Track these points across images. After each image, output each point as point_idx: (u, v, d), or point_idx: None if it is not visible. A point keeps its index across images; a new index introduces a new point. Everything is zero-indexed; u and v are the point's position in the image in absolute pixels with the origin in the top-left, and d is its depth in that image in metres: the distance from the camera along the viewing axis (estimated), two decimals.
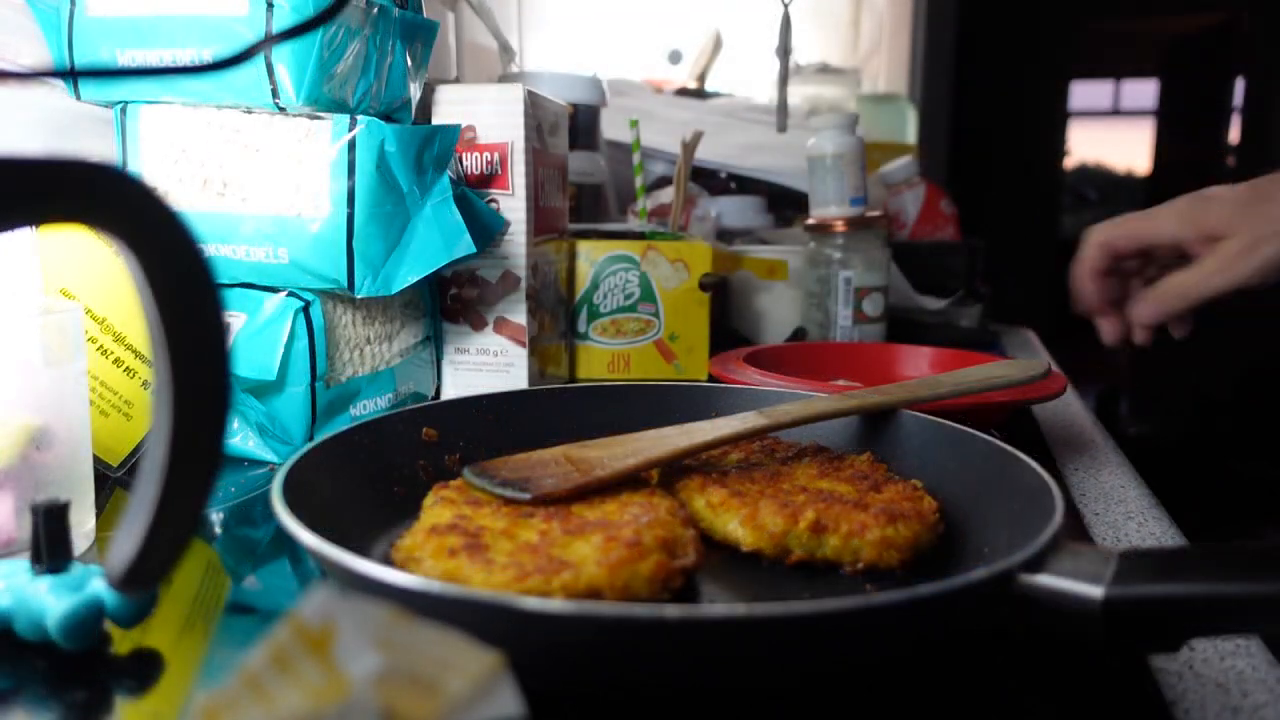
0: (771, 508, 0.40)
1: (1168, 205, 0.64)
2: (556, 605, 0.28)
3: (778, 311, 0.95)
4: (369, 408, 0.60)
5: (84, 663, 0.33)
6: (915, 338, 1.05)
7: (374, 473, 0.45)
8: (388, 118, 0.58)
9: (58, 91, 0.56)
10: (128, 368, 0.52)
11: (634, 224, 0.95)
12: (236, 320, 0.56)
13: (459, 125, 0.60)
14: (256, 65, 0.51)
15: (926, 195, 1.41)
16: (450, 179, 0.58)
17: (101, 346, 0.52)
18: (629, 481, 0.44)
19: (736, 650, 0.28)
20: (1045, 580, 0.31)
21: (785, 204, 1.33)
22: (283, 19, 0.51)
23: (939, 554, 0.41)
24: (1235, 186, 0.63)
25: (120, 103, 0.56)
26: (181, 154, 0.55)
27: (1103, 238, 0.66)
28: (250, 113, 0.55)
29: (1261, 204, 0.61)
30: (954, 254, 1.17)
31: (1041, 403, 0.66)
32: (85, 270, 0.51)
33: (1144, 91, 5.36)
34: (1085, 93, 5.18)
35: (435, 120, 0.65)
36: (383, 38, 0.56)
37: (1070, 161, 4.80)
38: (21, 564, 0.35)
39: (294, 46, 0.51)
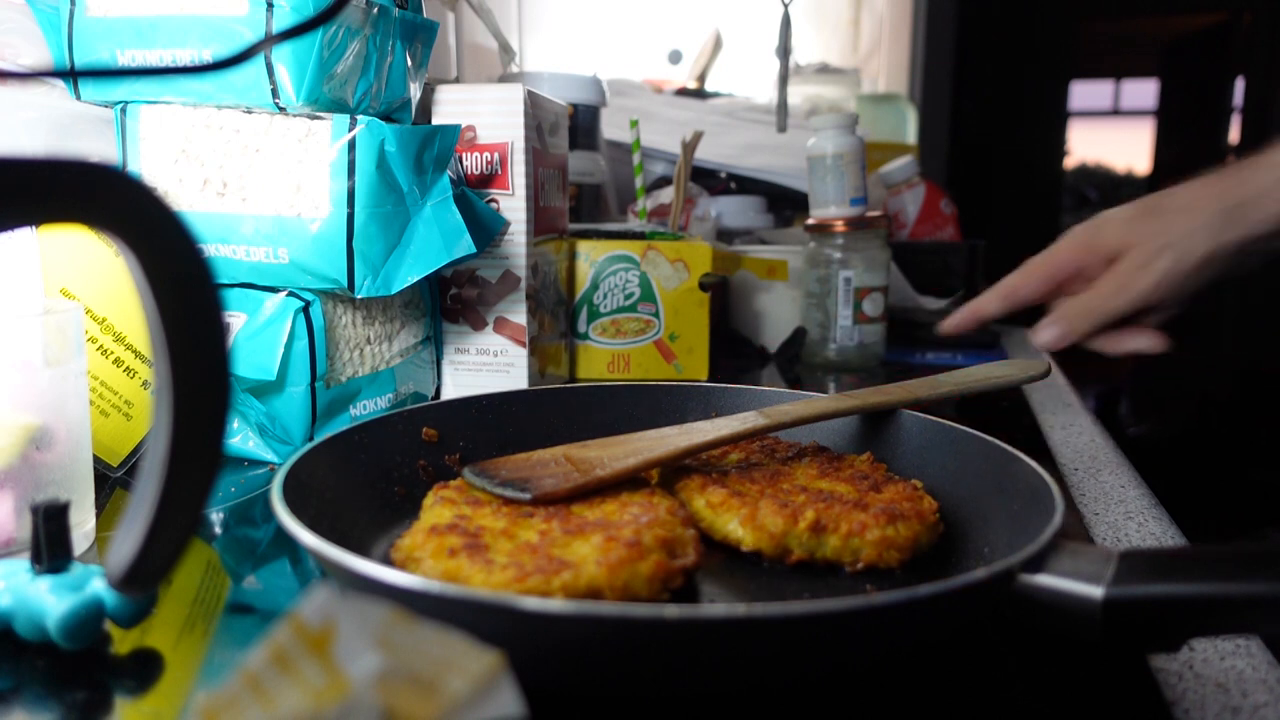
0: (771, 508, 0.40)
1: (1065, 236, 0.66)
2: (556, 605, 0.28)
3: (778, 311, 0.95)
4: (369, 408, 0.60)
5: (84, 663, 0.33)
6: (915, 338, 1.05)
7: (374, 473, 0.45)
8: (388, 118, 0.58)
9: (58, 91, 0.56)
10: (128, 368, 0.52)
11: (634, 224, 0.95)
12: (236, 320, 0.56)
13: (459, 125, 0.60)
14: (256, 65, 0.51)
15: (926, 195, 1.41)
16: (450, 179, 0.58)
17: (101, 346, 0.52)
18: (629, 481, 0.44)
19: (736, 650, 0.28)
20: (1045, 580, 0.31)
21: (785, 204, 1.32)
22: (283, 19, 0.51)
23: (939, 554, 0.41)
24: (1127, 206, 0.64)
25: (120, 103, 0.56)
26: (181, 154, 0.55)
27: (1007, 288, 0.66)
28: (250, 113, 0.55)
29: (1149, 219, 0.62)
30: (954, 254, 1.18)
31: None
32: (85, 270, 0.51)
33: (1144, 91, 5.36)
34: (1085, 93, 5.19)
35: (435, 120, 0.65)
36: (383, 38, 0.56)
37: (1070, 161, 4.80)
38: (21, 564, 0.35)
39: (294, 46, 0.51)
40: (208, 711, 0.20)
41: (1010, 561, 0.31)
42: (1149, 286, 0.61)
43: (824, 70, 1.88)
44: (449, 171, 0.59)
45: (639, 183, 0.95)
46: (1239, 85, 4.07)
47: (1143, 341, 0.64)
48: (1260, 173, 0.61)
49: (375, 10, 0.55)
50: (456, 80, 1.21)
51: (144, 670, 0.33)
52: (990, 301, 0.67)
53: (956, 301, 1.09)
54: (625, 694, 0.30)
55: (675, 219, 0.91)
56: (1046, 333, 0.64)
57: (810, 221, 0.89)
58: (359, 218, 0.54)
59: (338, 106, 0.54)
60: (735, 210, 1.24)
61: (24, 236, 0.49)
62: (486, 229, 0.62)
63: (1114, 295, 0.62)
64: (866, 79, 2.19)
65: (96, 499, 0.46)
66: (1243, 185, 0.61)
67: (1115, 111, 5.90)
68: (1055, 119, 4.32)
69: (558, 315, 0.74)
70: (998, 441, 0.44)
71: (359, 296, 0.55)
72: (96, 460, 0.50)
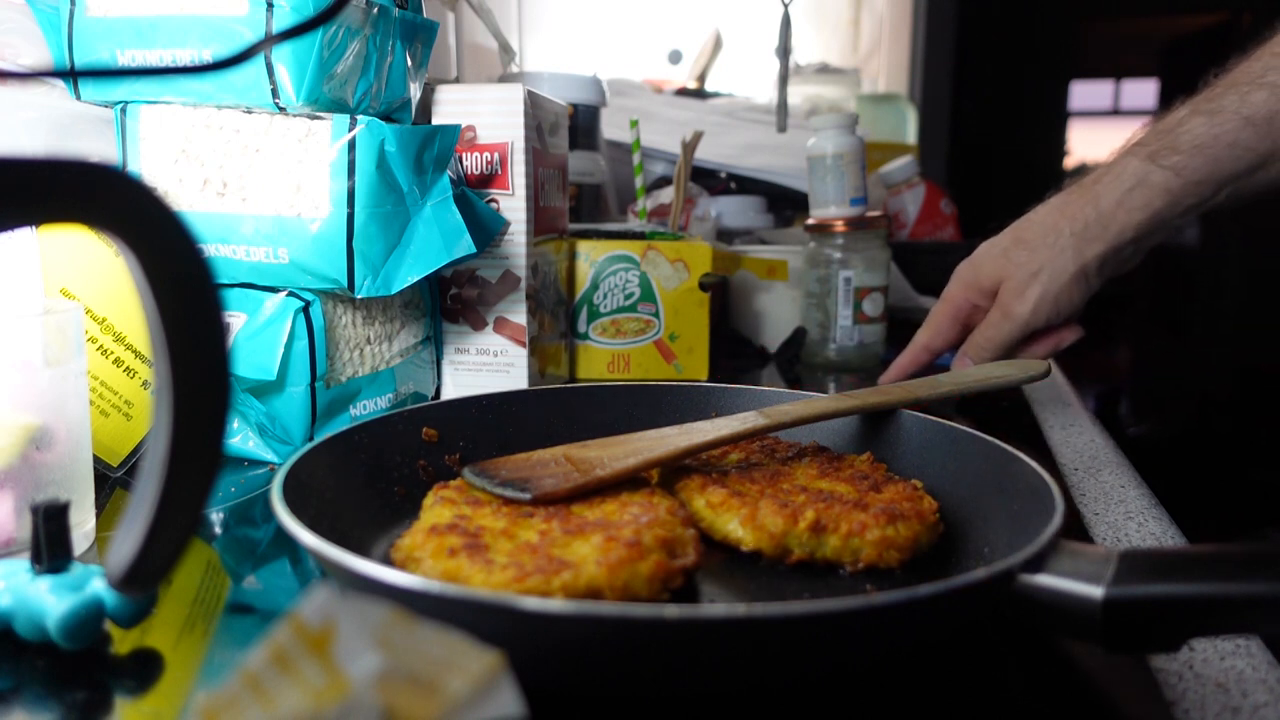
0: (771, 508, 0.40)
1: (953, 277, 0.72)
2: (556, 605, 0.28)
3: (778, 311, 0.95)
4: (369, 408, 0.60)
5: (84, 663, 0.33)
6: None
7: (374, 473, 0.45)
8: (388, 118, 0.58)
9: (58, 91, 0.56)
10: (128, 368, 0.52)
11: (634, 224, 0.95)
12: (236, 320, 0.56)
13: (459, 125, 0.60)
14: (256, 65, 0.51)
15: (926, 195, 1.41)
16: (450, 179, 0.58)
17: (101, 346, 0.52)
18: (629, 481, 0.44)
19: (736, 650, 0.28)
20: (1045, 580, 0.31)
21: (785, 204, 1.33)
22: (283, 19, 0.51)
23: (939, 554, 0.41)
24: (1000, 236, 0.69)
25: (120, 103, 0.56)
26: (181, 154, 0.55)
27: (919, 346, 0.74)
28: (250, 113, 0.55)
29: (1018, 249, 0.67)
30: (954, 254, 1.17)
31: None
32: (85, 270, 0.51)
33: (1144, 91, 5.36)
34: (1085, 93, 5.18)
35: (435, 120, 0.65)
36: (383, 38, 0.56)
37: (1070, 161, 4.80)
38: (21, 564, 0.35)
39: (294, 46, 0.51)
40: (208, 711, 0.20)
41: (1010, 561, 0.31)
42: (1028, 313, 0.66)
43: (824, 70, 1.88)
44: (449, 171, 0.59)
45: (639, 183, 0.95)
46: None
47: (1056, 341, 0.69)
48: (1108, 187, 0.64)
49: (375, 10, 0.55)
50: (456, 80, 1.21)
51: (144, 670, 0.33)
52: (910, 360, 0.74)
53: None
54: (625, 694, 0.30)
55: (675, 219, 0.91)
56: (959, 365, 0.71)
57: (810, 221, 0.89)
58: (359, 218, 0.54)
59: (338, 106, 0.54)
60: (735, 210, 1.24)
61: (24, 236, 0.49)
62: (486, 229, 0.62)
63: (1000, 325, 0.68)
64: (866, 79, 2.19)
65: (96, 499, 0.46)
66: (1094, 203, 0.65)
67: (1115, 111, 5.89)
68: (1055, 119, 4.33)
69: (558, 315, 0.74)
70: (998, 441, 0.44)
71: (359, 296, 0.55)
72: (96, 460, 0.50)
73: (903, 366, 0.74)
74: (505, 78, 1.08)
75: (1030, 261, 0.66)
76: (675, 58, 1.92)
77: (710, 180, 1.31)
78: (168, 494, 0.24)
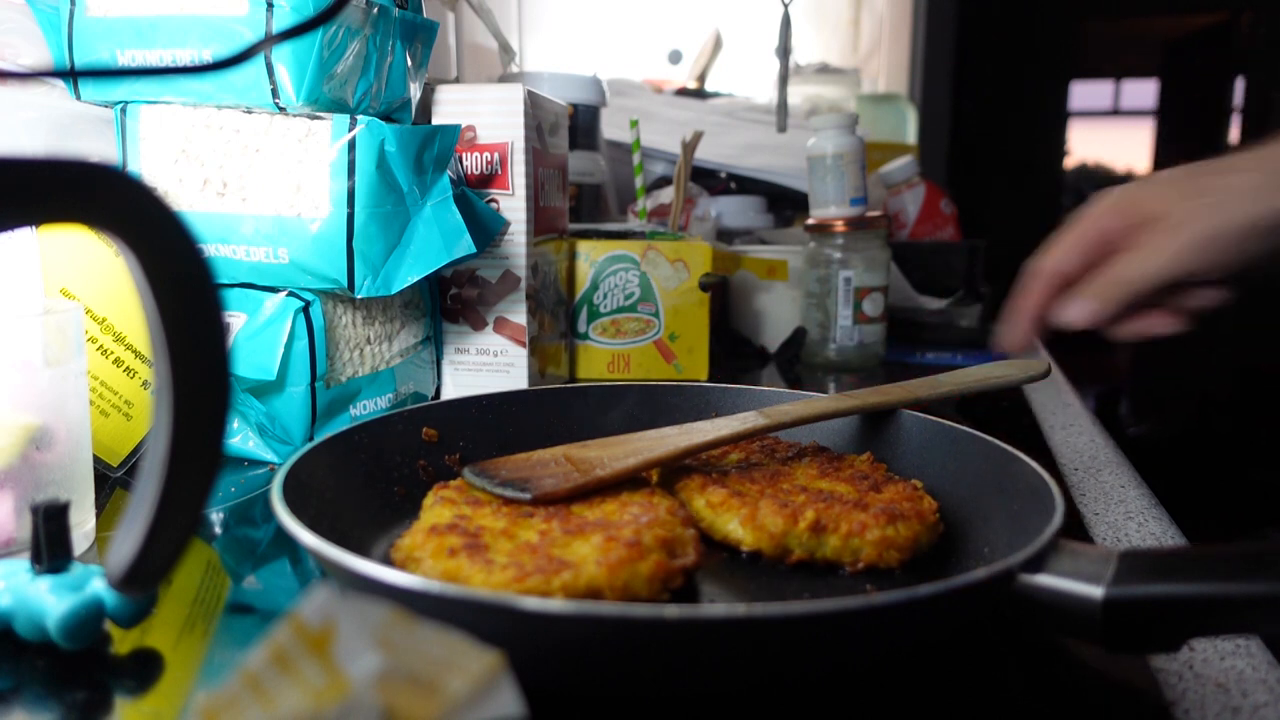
0: (771, 508, 0.40)
1: (1101, 201, 0.58)
2: (556, 605, 0.28)
3: (778, 311, 0.95)
4: (369, 408, 0.60)
5: (84, 663, 0.33)
6: (915, 338, 1.05)
7: (374, 473, 0.45)
8: (388, 118, 0.58)
9: (58, 91, 0.56)
10: (128, 368, 0.52)
11: (634, 224, 0.95)
12: (236, 320, 0.56)
13: (459, 125, 0.60)
14: (256, 65, 0.51)
15: (926, 195, 1.41)
16: (450, 179, 0.58)
17: (101, 346, 0.52)
18: (629, 481, 0.44)
19: (736, 650, 0.28)
20: (1045, 580, 0.31)
21: (785, 204, 1.33)
22: (283, 19, 0.51)
23: (939, 554, 0.41)
24: (1171, 170, 0.57)
25: (120, 103, 0.56)
26: (181, 154, 0.55)
27: (1052, 266, 0.58)
28: (250, 113, 0.55)
29: (1190, 180, 0.55)
30: (954, 254, 1.17)
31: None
32: (85, 270, 0.51)
33: (1144, 91, 5.36)
34: (1085, 93, 5.18)
35: (435, 120, 0.65)
36: (383, 38, 0.56)
37: (1070, 161, 4.80)
38: (21, 564, 0.35)
39: (294, 46, 0.51)
40: (208, 711, 0.20)
41: (1010, 561, 0.31)
42: (1178, 250, 0.53)
43: (824, 70, 1.88)
44: (449, 171, 0.59)
45: (639, 183, 0.95)
46: (1239, 85, 4.07)
47: (1159, 324, 0.56)
48: None
49: (375, 10, 0.55)
50: (456, 80, 1.21)
51: (144, 670, 0.33)
52: (1042, 294, 0.57)
53: (956, 301, 1.09)
54: (625, 694, 0.30)
55: (675, 219, 0.91)
56: (1077, 308, 0.56)
57: (810, 221, 0.89)
58: (359, 218, 0.54)
59: (338, 106, 0.54)
60: (735, 210, 1.24)
61: (24, 236, 0.49)
62: (486, 229, 0.62)
63: (1146, 260, 0.54)
64: (866, 79, 2.19)
65: (96, 499, 0.46)
66: None
67: (1115, 111, 5.90)
68: (1055, 119, 4.32)
69: (558, 315, 0.74)
70: (998, 441, 0.44)
71: (359, 296, 0.55)
72: (96, 460, 0.50)
73: (1031, 307, 0.58)
74: (505, 78, 1.08)
75: (1202, 193, 0.54)
76: (675, 58, 1.92)
77: (710, 180, 1.31)
78: (168, 494, 0.24)
